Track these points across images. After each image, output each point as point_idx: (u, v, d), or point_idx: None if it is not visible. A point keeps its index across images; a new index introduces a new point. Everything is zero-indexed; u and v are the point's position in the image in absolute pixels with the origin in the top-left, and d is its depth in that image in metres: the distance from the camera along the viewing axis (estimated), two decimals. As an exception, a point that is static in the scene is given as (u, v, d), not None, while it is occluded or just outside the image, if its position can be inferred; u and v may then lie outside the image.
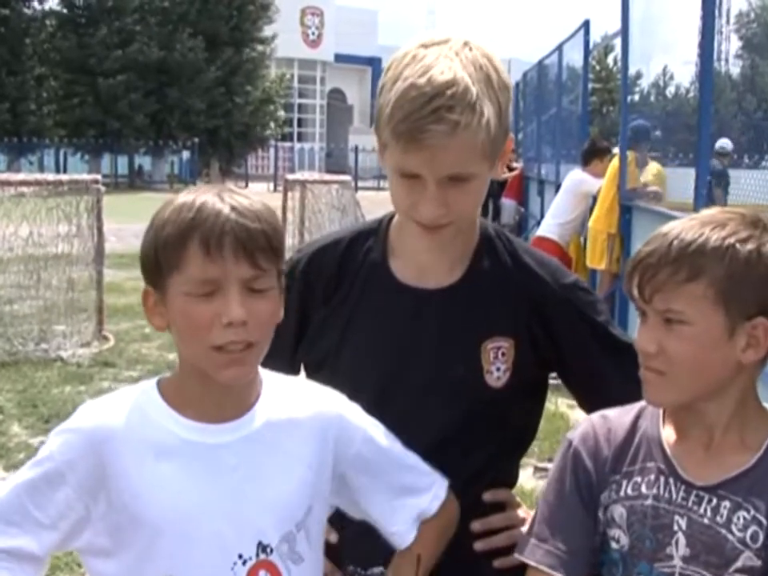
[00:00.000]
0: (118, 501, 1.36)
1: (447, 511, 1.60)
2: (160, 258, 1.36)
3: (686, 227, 1.39)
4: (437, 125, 1.50)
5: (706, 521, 1.39)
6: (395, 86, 1.55)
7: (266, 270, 1.36)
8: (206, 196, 1.36)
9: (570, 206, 8.90)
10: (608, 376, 1.73)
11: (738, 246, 1.35)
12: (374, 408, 1.58)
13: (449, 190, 1.58)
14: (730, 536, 1.38)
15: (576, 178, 9.00)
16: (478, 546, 1.72)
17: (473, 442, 1.70)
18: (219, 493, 1.38)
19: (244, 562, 1.38)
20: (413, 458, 1.58)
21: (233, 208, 1.35)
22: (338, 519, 1.60)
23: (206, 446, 1.39)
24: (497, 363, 1.70)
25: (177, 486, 1.37)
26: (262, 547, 1.39)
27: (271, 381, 1.50)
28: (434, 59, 1.54)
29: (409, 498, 1.56)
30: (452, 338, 1.71)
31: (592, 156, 8.96)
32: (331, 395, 1.55)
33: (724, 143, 8.79)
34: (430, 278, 1.73)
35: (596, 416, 1.54)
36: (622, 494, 1.46)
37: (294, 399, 1.50)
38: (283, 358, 1.69)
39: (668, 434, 1.47)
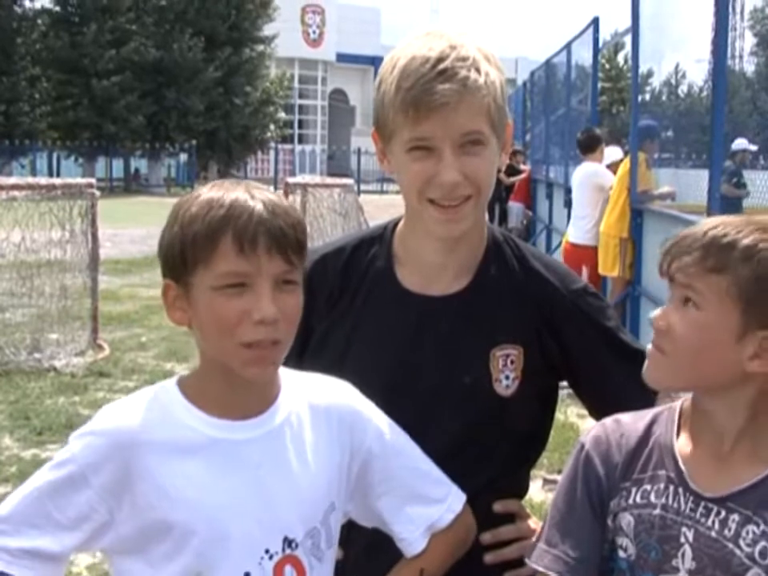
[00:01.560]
0: (145, 502, 1.37)
1: (461, 526, 1.59)
2: (187, 253, 1.36)
3: (724, 223, 1.39)
4: (445, 84, 1.54)
5: (713, 534, 1.37)
6: (395, 68, 1.59)
7: (296, 266, 1.38)
8: (235, 192, 1.37)
9: (592, 201, 8.74)
10: (618, 382, 1.72)
11: None
12: None
13: (463, 157, 1.59)
14: (737, 551, 1.35)
15: (588, 170, 8.88)
16: (488, 557, 1.71)
17: (482, 451, 1.69)
18: (245, 489, 1.40)
19: (271, 557, 1.39)
20: (429, 465, 1.57)
21: (264, 205, 1.36)
22: (343, 537, 1.58)
23: (231, 443, 1.40)
24: (506, 371, 1.69)
25: (203, 483, 1.38)
26: (288, 542, 1.41)
27: (288, 376, 1.51)
28: (430, 39, 1.60)
29: (421, 507, 1.56)
30: (460, 346, 1.70)
31: (597, 142, 8.86)
32: (344, 389, 1.56)
33: (740, 142, 8.66)
34: (436, 285, 1.72)
35: (609, 420, 1.53)
36: (630, 501, 1.44)
37: (311, 394, 1.51)
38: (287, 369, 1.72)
39: (682, 443, 1.45)
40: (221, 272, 1.34)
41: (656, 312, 1.42)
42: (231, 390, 1.42)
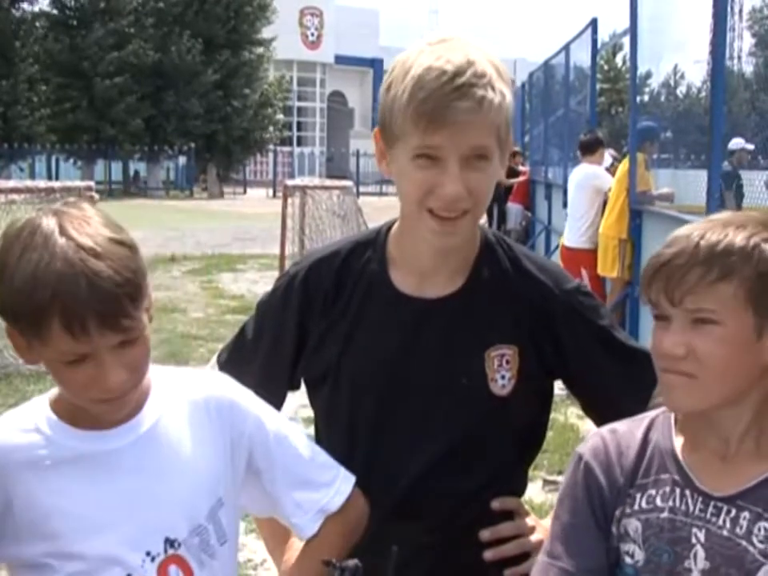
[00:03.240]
0: (25, 519, 1.38)
1: (353, 508, 1.60)
2: (20, 324, 1.33)
3: (707, 228, 1.37)
4: (461, 101, 1.53)
5: (725, 533, 1.36)
6: (409, 75, 1.57)
7: (132, 327, 1.34)
8: (60, 259, 1.29)
9: (589, 203, 8.72)
10: (613, 380, 1.73)
11: (763, 245, 1.35)
12: (377, 420, 1.60)
13: (468, 171, 1.58)
14: (750, 548, 1.34)
15: (588, 172, 8.86)
16: (488, 555, 1.70)
17: (479, 451, 1.68)
18: (120, 496, 1.41)
19: (153, 559, 1.41)
20: (313, 450, 1.59)
21: (90, 283, 1.29)
22: (366, 546, 1.59)
23: (103, 453, 1.41)
24: (501, 371, 1.69)
25: (80, 496, 1.39)
26: (170, 542, 1.42)
27: (159, 376, 1.51)
28: (446, 49, 1.58)
29: (308, 492, 1.57)
30: (455, 347, 1.70)
31: (597, 144, 8.84)
32: (220, 381, 1.57)
33: (737, 142, 8.65)
34: (430, 287, 1.72)
35: (605, 430, 1.51)
36: (636, 507, 1.43)
37: (183, 391, 1.51)
38: (282, 376, 1.77)
39: (681, 445, 1.44)
40: (57, 350, 1.31)
41: (666, 341, 1.38)
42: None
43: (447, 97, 1.53)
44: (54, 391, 1.46)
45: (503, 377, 1.69)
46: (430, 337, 1.71)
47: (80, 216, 1.36)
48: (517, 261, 1.75)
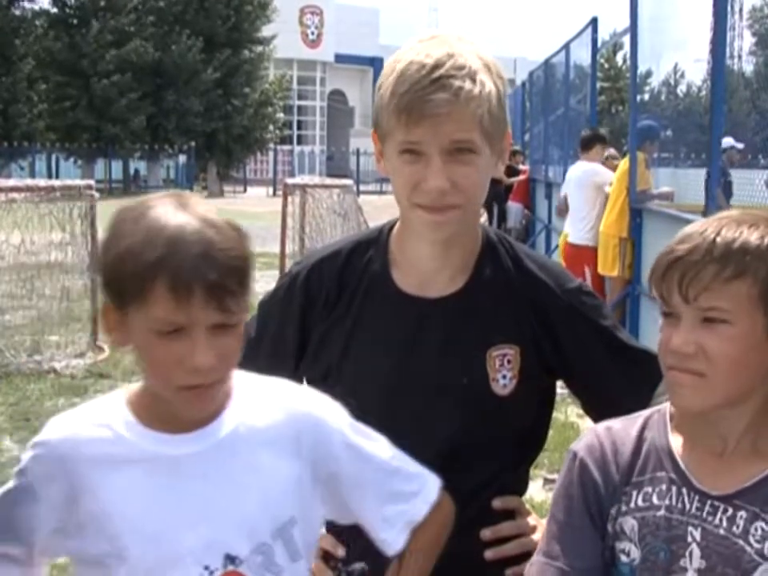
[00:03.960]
0: (89, 515, 1.36)
1: (440, 513, 1.56)
2: (122, 287, 1.30)
3: (722, 225, 1.37)
4: (438, 92, 1.54)
5: (721, 531, 1.36)
6: (393, 72, 1.60)
7: (233, 312, 1.32)
8: (174, 227, 1.29)
9: (590, 200, 8.71)
10: (614, 380, 1.73)
11: None
12: (379, 420, 1.57)
13: (452, 165, 1.59)
14: (747, 547, 1.34)
15: (587, 169, 8.83)
16: (489, 554, 1.70)
17: (481, 451, 1.68)
18: (183, 504, 1.37)
19: (210, 573, 1.37)
20: (399, 461, 1.53)
21: (204, 250, 1.28)
22: (346, 534, 1.60)
23: (171, 458, 1.38)
24: (503, 371, 1.69)
25: (142, 499, 1.37)
26: (230, 558, 1.38)
27: (243, 383, 1.46)
28: (431, 45, 1.60)
29: (397, 505, 1.52)
30: (456, 347, 1.70)
31: (595, 141, 8.82)
32: (307, 397, 1.51)
33: (727, 141, 8.70)
34: (432, 287, 1.72)
35: (600, 427, 1.51)
36: (632, 505, 1.42)
37: (266, 402, 1.46)
38: (283, 376, 1.68)
39: (677, 444, 1.44)
40: (154, 317, 1.29)
41: (675, 339, 1.37)
42: (170, 406, 1.38)
43: (425, 90, 1.54)
44: (131, 389, 1.44)
45: (505, 377, 1.69)
46: (432, 336, 1.71)
47: (196, 198, 1.37)
48: (518, 260, 1.75)
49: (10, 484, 1.41)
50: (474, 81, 1.56)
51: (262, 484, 1.41)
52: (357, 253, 1.78)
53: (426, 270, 1.72)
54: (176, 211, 1.32)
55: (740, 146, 8.59)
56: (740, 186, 6.38)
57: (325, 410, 1.50)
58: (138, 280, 1.27)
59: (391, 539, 1.52)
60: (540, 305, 1.72)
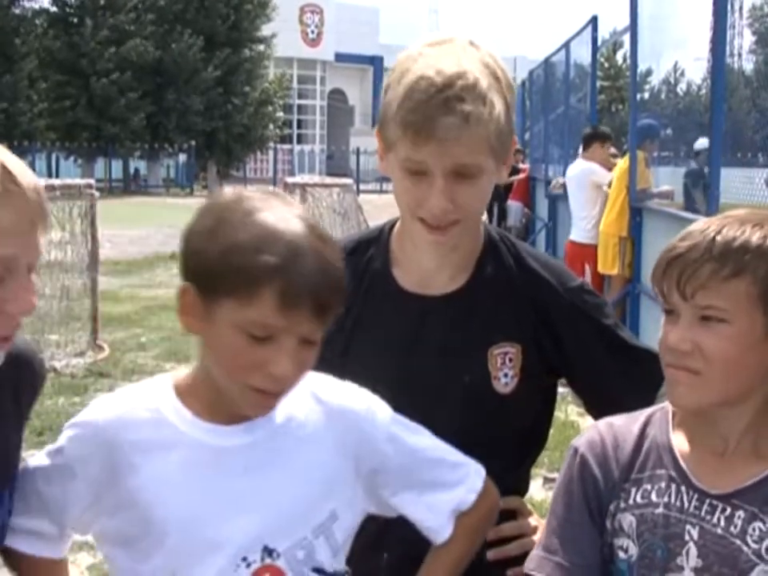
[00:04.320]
0: (128, 496, 1.37)
1: (486, 501, 1.56)
2: (223, 279, 1.28)
3: (724, 224, 1.36)
4: (447, 116, 1.52)
5: (719, 531, 1.35)
6: (402, 81, 1.57)
7: (326, 326, 1.34)
8: (291, 233, 1.29)
9: (590, 199, 8.71)
10: (616, 379, 1.73)
11: None
12: None
13: (456, 185, 1.58)
14: (744, 547, 1.34)
15: (584, 168, 8.84)
16: (490, 554, 1.70)
17: (482, 449, 1.64)
18: (225, 495, 1.37)
19: (248, 565, 1.37)
20: (442, 450, 1.54)
21: (320, 266, 1.29)
22: (378, 544, 1.60)
23: (217, 448, 1.38)
24: (504, 369, 1.69)
25: (184, 486, 1.37)
26: (268, 551, 1.37)
27: None
28: (441, 55, 1.57)
29: (441, 493, 1.52)
30: (458, 345, 1.70)
31: (593, 139, 8.81)
32: (351, 392, 1.50)
33: (702, 142, 8.78)
34: (433, 285, 1.72)
35: (602, 423, 1.51)
36: (631, 502, 1.43)
37: (312, 398, 1.46)
38: None
39: (678, 442, 1.44)
40: (253, 319, 1.28)
41: (672, 336, 1.38)
42: (225, 397, 1.38)
43: (433, 110, 1.52)
44: (177, 375, 1.44)
45: (506, 375, 1.69)
46: (433, 335, 1.71)
47: (296, 203, 1.38)
48: (520, 258, 1.75)
49: (46, 460, 1.42)
50: (483, 102, 1.54)
51: (303, 479, 1.42)
52: (358, 251, 1.78)
53: (428, 268, 1.72)
54: (288, 216, 1.32)
55: (705, 146, 8.65)
56: (740, 184, 6.36)
57: (368, 404, 1.50)
58: (248, 278, 1.26)
59: (438, 527, 1.52)
60: (541, 303, 1.72)
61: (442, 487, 1.53)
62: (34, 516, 1.43)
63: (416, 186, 1.60)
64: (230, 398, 1.36)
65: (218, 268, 1.29)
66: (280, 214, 1.31)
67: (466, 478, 1.55)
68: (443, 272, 1.72)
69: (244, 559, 1.37)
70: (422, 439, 1.53)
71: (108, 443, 1.37)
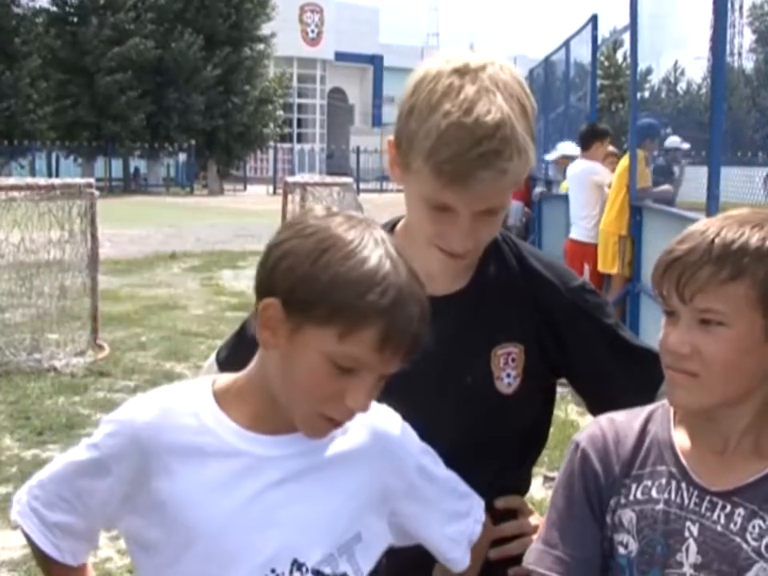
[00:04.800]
0: (159, 498, 1.36)
1: (485, 532, 1.60)
2: (324, 309, 1.27)
3: (724, 225, 1.35)
4: (484, 170, 1.50)
5: (719, 528, 1.35)
6: (433, 118, 1.52)
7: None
8: (397, 278, 1.29)
9: (591, 199, 8.70)
10: (617, 379, 1.73)
11: None
12: None
13: (479, 223, 1.58)
14: (744, 545, 1.34)
15: (585, 168, 8.82)
16: (492, 554, 1.70)
17: (484, 450, 1.68)
18: (258, 506, 1.37)
19: None
20: (454, 481, 1.56)
21: (421, 311, 1.31)
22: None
23: (253, 457, 1.37)
24: (507, 369, 1.69)
25: (216, 492, 1.36)
26: (297, 565, 1.37)
27: None
28: (474, 93, 1.52)
29: (457, 524, 1.55)
30: (461, 346, 1.69)
31: (593, 138, 8.79)
32: (388, 416, 1.51)
33: (673, 140, 8.86)
34: (436, 285, 1.67)
35: (603, 418, 1.51)
36: (631, 497, 1.43)
37: (353, 419, 1.44)
38: None
39: (680, 439, 1.44)
40: (347, 353, 1.28)
41: (671, 338, 1.38)
42: (271, 408, 1.38)
43: (471, 163, 1.49)
44: (219, 380, 1.44)
45: (509, 375, 1.69)
46: (436, 335, 1.66)
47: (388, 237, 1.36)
48: (523, 259, 1.75)
49: (80, 456, 1.42)
50: (519, 154, 1.52)
51: (337, 496, 1.41)
52: None
53: (431, 268, 1.69)
54: (391, 254, 1.31)
55: (686, 146, 8.67)
56: (740, 183, 6.36)
57: (402, 430, 1.50)
58: (355, 315, 1.27)
59: (459, 558, 1.55)
60: (544, 303, 1.72)
61: (456, 517, 1.55)
62: (65, 509, 1.43)
63: (438, 219, 1.58)
64: (290, 417, 1.36)
65: (322, 297, 1.27)
66: (383, 252, 1.31)
67: (472, 509, 1.57)
68: (446, 273, 1.72)
69: (273, 571, 1.36)
70: (441, 468, 1.55)
71: (144, 445, 1.37)
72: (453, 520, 1.55)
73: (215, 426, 1.38)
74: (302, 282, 1.28)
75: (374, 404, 1.46)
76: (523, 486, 1.83)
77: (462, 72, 1.54)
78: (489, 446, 1.69)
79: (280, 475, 1.38)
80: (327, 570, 1.39)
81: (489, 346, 1.69)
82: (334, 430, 1.37)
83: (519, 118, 1.53)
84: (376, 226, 1.37)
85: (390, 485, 1.47)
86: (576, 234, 9.06)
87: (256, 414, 1.38)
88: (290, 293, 1.29)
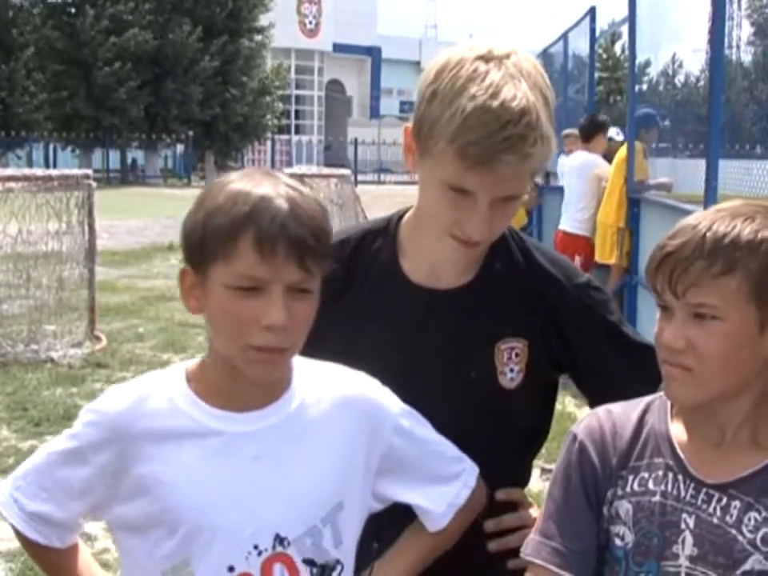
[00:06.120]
0: (141, 484, 1.38)
1: (475, 498, 1.60)
2: (207, 244, 1.33)
3: (715, 219, 1.35)
4: (509, 154, 1.50)
5: (715, 520, 1.36)
6: (459, 101, 1.52)
7: (314, 274, 1.35)
8: (264, 188, 1.34)
9: (590, 191, 8.67)
10: (620, 376, 1.73)
11: None
12: None
13: (496, 210, 1.57)
14: (740, 537, 1.34)
15: (587, 160, 8.78)
16: (492, 546, 1.71)
17: (486, 443, 1.67)
18: (238, 482, 1.39)
19: (259, 553, 1.38)
20: (444, 445, 1.57)
21: (291, 207, 1.33)
22: (371, 533, 1.58)
23: (230, 435, 1.39)
24: (510, 364, 1.69)
25: (197, 474, 1.38)
26: (279, 539, 1.39)
27: (302, 367, 1.49)
28: (500, 78, 1.53)
29: (440, 486, 1.56)
30: (465, 339, 1.70)
31: (595, 130, 8.78)
32: (363, 382, 1.53)
33: (617, 131, 9.01)
34: (442, 278, 1.71)
35: (601, 410, 1.51)
36: (628, 489, 1.43)
37: (325, 387, 1.48)
38: None
39: (676, 431, 1.44)
40: (237, 272, 1.32)
41: (666, 333, 1.38)
42: (235, 382, 1.40)
43: (496, 146, 1.49)
44: (190, 364, 1.46)
45: (512, 370, 1.69)
46: (440, 328, 1.70)
47: (280, 173, 1.42)
48: (528, 254, 1.75)
49: (60, 446, 1.44)
50: (542, 141, 1.53)
51: (315, 468, 1.43)
52: (365, 241, 1.77)
53: (437, 261, 1.72)
54: (263, 177, 1.37)
55: (620, 137, 8.75)
56: (738, 175, 6.36)
57: (379, 395, 1.52)
58: (224, 234, 1.31)
59: (436, 518, 1.56)
60: (548, 299, 1.72)
61: (442, 479, 1.56)
62: (45, 498, 1.45)
63: (456, 204, 1.58)
64: (238, 369, 1.38)
65: (200, 236, 1.34)
66: (253, 178, 1.37)
67: (463, 474, 1.58)
68: (453, 266, 1.71)
69: (255, 547, 1.38)
70: (428, 430, 1.56)
71: (122, 432, 1.39)
72: (437, 482, 1.56)
73: (188, 408, 1.41)
74: (188, 235, 1.37)
75: (347, 371, 1.53)
76: (524, 479, 1.84)
77: (486, 58, 1.55)
78: (491, 439, 1.69)
79: (257, 451, 1.40)
80: (308, 542, 1.41)
81: (493, 341, 1.69)
82: (274, 359, 1.36)
83: (542, 107, 1.54)
84: (272, 172, 1.43)
85: (370, 448, 1.49)
86: (567, 225, 9.00)
87: (223, 390, 1.41)
88: (185, 249, 1.38)
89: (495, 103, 1.50)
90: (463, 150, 1.51)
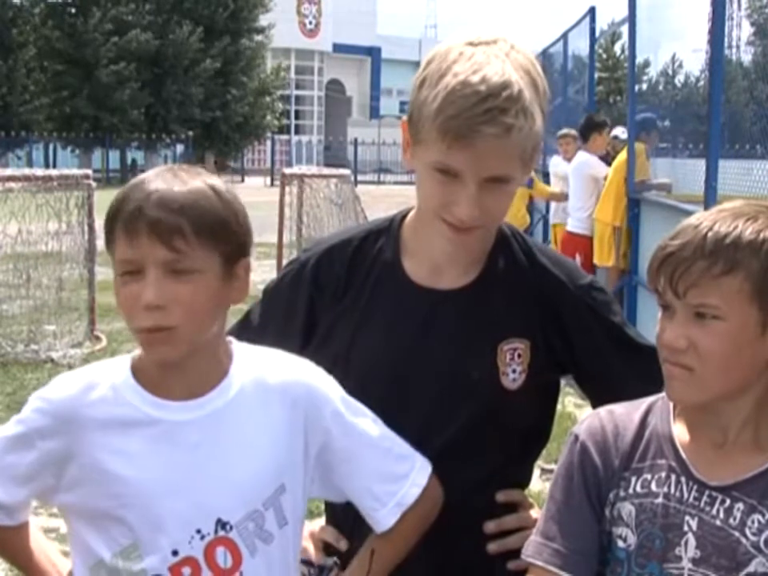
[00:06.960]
0: (85, 474, 1.41)
1: (428, 499, 1.58)
2: (107, 243, 1.41)
3: (717, 219, 1.35)
4: (489, 126, 1.49)
5: (718, 522, 1.35)
6: (443, 81, 1.53)
7: (185, 252, 1.36)
8: (150, 181, 1.39)
9: (587, 191, 8.70)
10: (623, 377, 1.71)
11: None
12: (387, 411, 1.58)
13: (486, 192, 1.56)
14: (743, 539, 1.34)
15: (582, 161, 8.83)
16: (492, 547, 1.71)
17: (488, 444, 1.68)
18: (179, 469, 1.42)
19: (202, 537, 1.41)
20: (391, 441, 1.57)
21: (158, 195, 1.37)
22: (352, 533, 1.59)
23: (170, 423, 1.42)
24: (512, 365, 1.68)
25: (138, 461, 1.41)
26: (221, 524, 1.42)
27: (243, 354, 1.51)
28: (484, 58, 1.54)
29: (386, 485, 1.55)
30: (467, 340, 1.69)
31: (591, 130, 8.81)
32: (303, 367, 1.55)
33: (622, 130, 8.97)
34: (444, 278, 1.71)
35: (603, 410, 1.51)
36: (630, 491, 1.43)
37: (264, 373, 1.51)
38: None
39: (679, 432, 1.44)
40: (117, 259, 1.38)
41: (668, 333, 1.38)
42: (164, 371, 1.43)
43: (475, 119, 1.49)
44: (135, 355, 1.48)
45: (514, 371, 1.69)
46: (442, 328, 1.70)
47: (196, 169, 1.47)
48: (531, 254, 1.74)
49: (9, 431, 1.46)
50: (525, 116, 1.52)
51: (255, 452, 1.46)
52: (368, 242, 1.76)
53: (439, 261, 1.71)
54: (164, 171, 1.43)
55: (624, 136, 8.73)
56: (737, 176, 6.36)
57: (318, 380, 1.54)
58: (107, 227, 1.40)
59: (380, 517, 1.56)
60: (551, 300, 1.71)
61: (388, 478, 1.56)
62: None
63: (445, 187, 1.57)
64: (194, 378, 1.43)
65: (107, 226, 1.41)
66: (144, 175, 1.43)
67: (411, 472, 1.57)
68: (455, 266, 1.71)
69: (198, 531, 1.41)
70: (367, 423, 1.56)
71: (68, 420, 1.42)
72: (381, 479, 1.55)
73: (131, 397, 1.43)
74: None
75: (289, 357, 1.55)
76: (525, 480, 1.83)
77: (474, 43, 1.57)
78: (493, 440, 1.69)
79: (197, 438, 1.43)
80: (251, 526, 1.44)
81: (495, 341, 1.68)
82: (161, 339, 1.38)
83: (527, 86, 1.54)
84: (191, 168, 1.46)
85: (310, 433, 1.51)
86: (570, 225, 9.06)
87: (158, 379, 1.44)
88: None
89: (476, 78, 1.51)
90: (445, 125, 1.52)
